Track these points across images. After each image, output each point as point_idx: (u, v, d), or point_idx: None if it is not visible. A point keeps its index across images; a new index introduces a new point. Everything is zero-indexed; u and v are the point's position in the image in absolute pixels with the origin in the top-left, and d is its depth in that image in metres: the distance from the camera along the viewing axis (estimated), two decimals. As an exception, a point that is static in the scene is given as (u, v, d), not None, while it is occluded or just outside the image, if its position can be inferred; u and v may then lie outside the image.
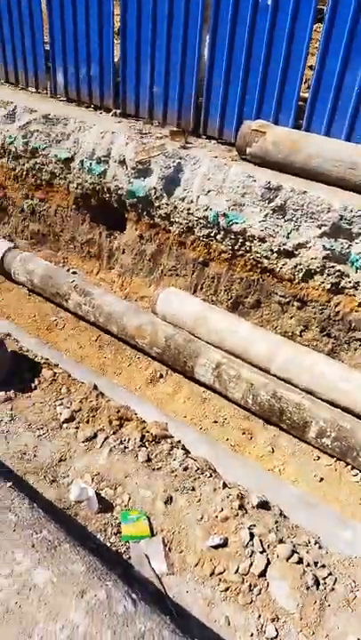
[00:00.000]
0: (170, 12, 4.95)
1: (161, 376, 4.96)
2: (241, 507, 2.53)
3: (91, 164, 5.72)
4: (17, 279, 5.95)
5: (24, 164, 6.28)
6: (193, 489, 2.60)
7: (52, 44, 6.01)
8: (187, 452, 2.91)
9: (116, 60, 5.74)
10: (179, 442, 2.95)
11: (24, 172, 6.35)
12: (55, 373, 3.21)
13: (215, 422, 4.36)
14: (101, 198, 5.89)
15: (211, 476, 2.71)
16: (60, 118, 5.84)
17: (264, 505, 2.62)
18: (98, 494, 2.58)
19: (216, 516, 2.48)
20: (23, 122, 6.12)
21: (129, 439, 2.83)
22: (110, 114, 5.94)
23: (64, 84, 6.24)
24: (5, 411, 2.93)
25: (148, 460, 2.76)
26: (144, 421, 3.07)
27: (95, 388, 3.17)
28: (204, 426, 4.35)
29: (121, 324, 5.09)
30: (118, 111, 5.88)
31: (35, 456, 2.74)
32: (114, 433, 2.87)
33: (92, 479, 2.66)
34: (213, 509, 2.50)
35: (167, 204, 5.17)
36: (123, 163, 5.37)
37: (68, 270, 6.18)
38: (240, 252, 4.88)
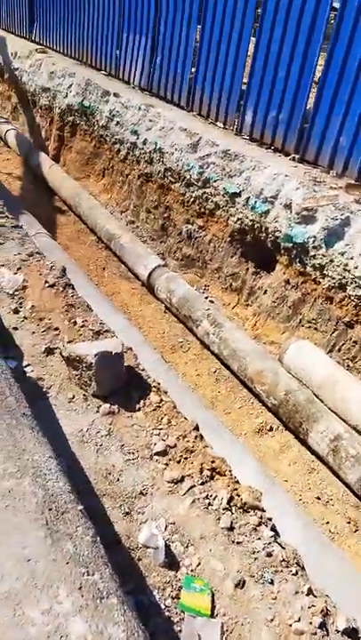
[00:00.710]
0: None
1: (271, 429, 4.55)
2: (323, 625, 2.05)
3: (256, 202, 5.61)
4: (158, 295, 6.03)
5: (193, 192, 6.40)
6: (271, 582, 2.19)
7: (250, 85, 6.06)
8: (276, 533, 2.50)
9: (308, 107, 5.60)
10: (270, 519, 2.55)
11: (191, 199, 6.47)
12: (162, 400, 3.04)
13: (318, 499, 3.82)
14: (257, 236, 5.73)
15: (296, 573, 2.26)
16: (238, 155, 5.84)
17: (352, 634, 2.10)
18: (167, 546, 2.33)
19: (290, 625, 2.03)
20: (203, 153, 6.25)
21: (215, 496, 2.52)
22: (288, 158, 5.79)
23: (251, 123, 6.25)
24: (105, 424, 2.83)
25: (231, 528, 2.41)
26: (237, 482, 2.72)
27: (196, 428, 2.93)
28: (304, 498, 3.83)
29: (243, 363, 4.82)
30: (297, 156, 5.70)
31: (118, 480, 2.57)
32: (202, 483, 2.59)
33: (166, 527, 2.40)
34: (289, 615, 2.06)
35: (324, 256, 4.80)
36: (288, 206, 5.14)
37: (207, 298, 6.10)
38: (394, 323, 4.31)
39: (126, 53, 7.68)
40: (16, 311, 3.41)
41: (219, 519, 2.43)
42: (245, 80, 6.16)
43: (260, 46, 5.77)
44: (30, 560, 1.67)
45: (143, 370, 3.24)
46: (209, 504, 2.50)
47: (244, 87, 6.25)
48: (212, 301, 6.14)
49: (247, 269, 6.10)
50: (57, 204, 7.73)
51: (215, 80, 6.56)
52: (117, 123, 7.38)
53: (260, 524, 2.45)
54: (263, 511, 2.57)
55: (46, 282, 3.63)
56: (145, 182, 7.23)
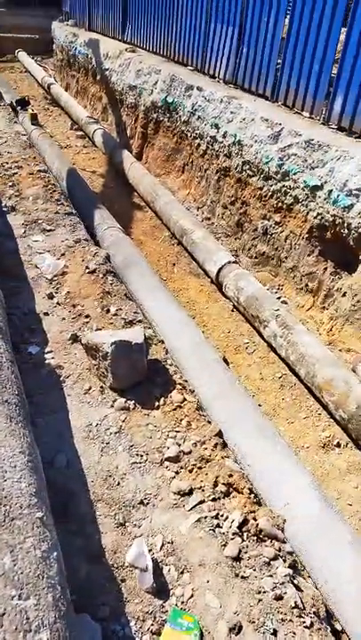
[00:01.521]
0: None
1: (338, 445, 3.98)
2: None
3: (339, 195, 5.01)
4: (226, 293, 5.68)
5: (271, 186, 5.93)
6: (274, 633, 1.72)
7: (340, 71, 5.49)
8: (296, 572, 2.00)
9: None
10: (290, 554, 2.06)
11: (269, 194, 6.00)
12: (185, 400, 2.67)
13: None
14: (338, 233, 5.12)
15: (310, 626, 1.77)
16: (323, 145, 5.27)
17: None
18: (159, 568, 1.96)
19: None
20: (284, 144, 5.77)
21: (226, 517, 2.09)
22: (378, 145, 5.10)
23: (340, 111, 5.66)
24: (117, 421, 2.54)
25: (237, 558, 1.97)
26: (257, 503, 2.26)
27: (219, 434, 2.52)
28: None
29: (312, 369, 4.27)
30: (388, 143, 5.01)
31: (118, 484, 2.26)
32: (213, 500, 2.18)
33: (162, 546, 2.03)
34: None
35: None
36: (373, 198, 4.51)
37: (279, 298, 5.59)
38: None
39: (212, 46, 7.46)
40: (50, 296, 3.26)
41: (225, 545, 2.01)
42: (335, 68, 5.58)
43: (353, 35, 5.20)
44: None
45: (172, 365, 2.90)
46: (217, 525, 2.09)
47: (333, 75, 5.67)
48: (284, 302, 5.63)
49: (325, 269, 5.50)
50: (135, 201, 7.69)
51: (303, 68, 6.05)
52: (199, 117, 7.15)
53: (275, 558, 1.98)
54: (283, 542, 2.08)
55: (87, 267, 3.45)
56: (223, 177, 6.90)
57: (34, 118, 8.23)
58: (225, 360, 4.55)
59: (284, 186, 5.73)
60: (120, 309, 3.23)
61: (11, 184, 5.00)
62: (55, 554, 1.59)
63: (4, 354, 2.24)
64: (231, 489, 2.24)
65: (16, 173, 5.28)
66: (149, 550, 1.99)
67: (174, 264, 6.51)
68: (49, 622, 1.38)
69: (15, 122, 7.33)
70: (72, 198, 6.22)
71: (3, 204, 4.50)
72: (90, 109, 10.88)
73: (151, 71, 8.07)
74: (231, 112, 6.63)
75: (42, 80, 12.65)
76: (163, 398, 2.67)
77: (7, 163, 5.57)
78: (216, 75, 7.54)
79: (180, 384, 2.80)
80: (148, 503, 2.20)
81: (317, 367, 4.26)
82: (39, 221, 4.19)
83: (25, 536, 1.55)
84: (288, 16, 6.14)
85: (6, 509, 1.58)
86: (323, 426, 4.26)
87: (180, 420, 2.56)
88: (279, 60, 6.44)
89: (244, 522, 2.09)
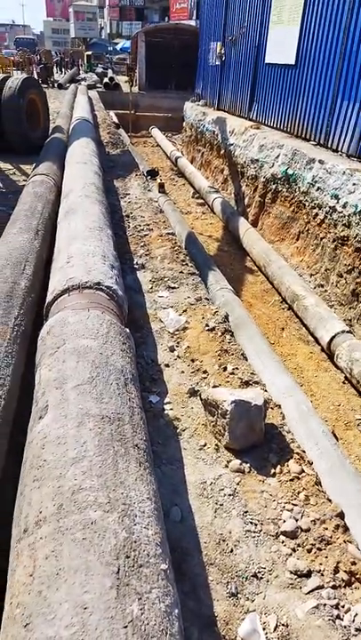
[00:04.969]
0: None
1: None
2: None
3: None
4: (338, 363, 5.42)
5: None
6: None
7: None
8: None
9: None
10: None
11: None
12: (303, 472, 2.52)
13: None
14: None
15: None
16: None
17: None
18: (272, 653, 1.79)
19: None
20: None
21: (348, 610, 1.88)
22: None
23: None
24: (231, 483, 2.46)
25: (361, 660, 1.75)
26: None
27: (341, 515, 2.32)
28: None
29: None
30: None
31: (232, 551, 2.15)
32: (333, 587, 1.97)
33: (276, 627, 1.86)
34: None
35: None
36: None
37: None
38: None
39: (337, 121, 7.62)
40: (172, 349, 3.36)
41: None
42: None
43: None
44: (87, 609, 1.41)
45: (289, 432, 2.78)
46: (337, 617, 1.88)
47: None
48: None
49: None
50: (248, 265, 7.83)
51: None
52: (318, 188, 7.24)
53: None
54: None
55: (206, 325, 3.52)
56: (340, 246, 6.81)
57: (161, 187, 8.92)
58: (334, 435, 4.26)
59: None
60: (237, 368, 3.22)
61: (142, 244, 5.39)
62: (177, 611, 1.53)
63: (135, 399, 2.31)
64: (354, 578, 2.03)
65: (147, 235, 5.69)
66: (263, 629, 1.84)
67: (283, 328, 6.41)
68: None
69: (149, 190, 8.00)
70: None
71: (134, 262, 4.83)
72: (211, 180, 11.56)
73: (274, 146, 8.42)
74: (353, 184, 6.63)
75: (170, 153, 13.79)
76: (279, 466, 2.54)
77: (140, 225, 6.04)
78: (339, 149, 7.65)
79: (297, 453, 2.66)
80: (261, 578, 2.05)
81: None
82: (165, 279, 4.42)
83: (151, 586, 1.51)
84: None
85: (135, 555, 1.57)
86: None
87: (298, 493, 2.41)
88: None
89: (370, 619, 1.86)
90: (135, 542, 1.62)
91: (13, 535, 1.78)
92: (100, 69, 30.54)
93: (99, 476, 1.81)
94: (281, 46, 9.17)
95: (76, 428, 2.00)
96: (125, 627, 1.38)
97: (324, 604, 1.93)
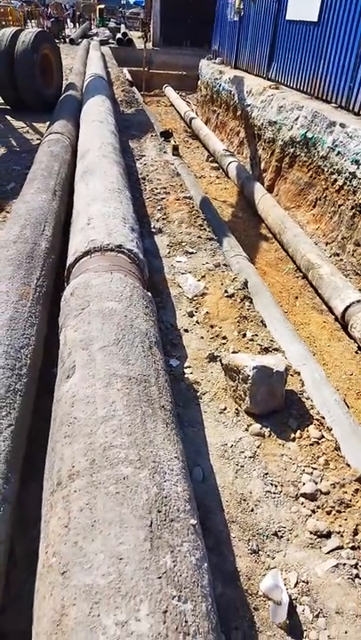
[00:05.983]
0: None
1: None
2: None
3: None
4: (352, 333, 5.41)
5: None
6: None
7: None
8: None
9: None
10: None
11: None
12: (323, 437, 2.57)
13: None
14: None
15: None
16: None
17: None
18: (292, 606, 1.87)
19: None
20: None
21: (367, 569, 1.95)
22: None
23: None
24: (252, 446, 2.50)
25: (379, 616, 1.82)
26: None
27: (360, 480, 2.37)
28: None
29: None
30: None
31: (252, 510, 2.21)
32: (353, 548, 2.04)
33: (297, 583, 1.94)
34: None
35: None
36: None
37: None
38: None
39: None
40: (191, 315, 3.36)
41: (366, 599, 1.86)
42: None
43: None
44: (122, 559, 1.47)
45: (308, 398, 2.81)
46: (356, 576, 1.94)
47: None
48: None
49: None
50: (263, 232, 7.72)
51: None
52: (338, 153, 7.04)
53: None
54: None
55: (225, 291, 3.50)
56: (358, 213, 6.68)
57: (175, 149, 8.70)
58: (346, 403, 4.31)
59: None
60: (256, 335, 3.22)
61: (159, 208, 5.31)
62: (205, 565, 1.58)
63: (160, 362, 2.33)
64: (372, 540, 2.09)
65: (164, 198, 5.59)
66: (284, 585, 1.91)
67: (297, 297, 6.38)
68: (203, 631, 1.37)
69: (165, 152, 7.82)
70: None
71: (152, 226, 4.76)
72: (226, 143, 11.26)
73: (293, 107, 8.15)
74: (376, 149, 6.45)
75: (184, 114, 13.39)
76: (299, 431, 2.58)
77: (157, 188, 5.93)
78: (361, 112, 7.39)
79: (317, 419, 2.70)
80: (282, 536, 2.12)
81: None
82: (183, 244, 4.37)
83: (182, 539, 1.57)
84: None
85: (166, 509, 1.61)
86: None
87: (318, 457, 2.45)
88: None
89: (388, 578, 1.92)
90: (166, 497, 1.67)
91: (45, 488, 1.83)
92: (112, 24, 29.38)
93: (128, 435, 1.85)
94: (303, 2, 8.74)
95: (104, 388, 2.02)
96: (160, 577, 1.44)
97: (344, 564, 2.00)
